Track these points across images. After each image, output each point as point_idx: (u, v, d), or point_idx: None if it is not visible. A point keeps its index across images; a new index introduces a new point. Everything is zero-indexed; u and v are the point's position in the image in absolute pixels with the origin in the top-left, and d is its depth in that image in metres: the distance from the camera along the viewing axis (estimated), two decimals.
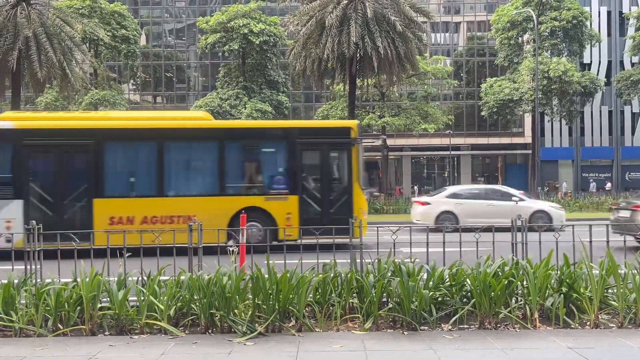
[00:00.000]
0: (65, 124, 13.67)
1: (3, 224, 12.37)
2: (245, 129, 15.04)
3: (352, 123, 14.45)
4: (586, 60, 45.77)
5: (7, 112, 14.53)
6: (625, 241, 7.06)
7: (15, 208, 12.64)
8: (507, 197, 18.28)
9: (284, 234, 11.68)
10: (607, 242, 6.47)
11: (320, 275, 6.04)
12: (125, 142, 13.61)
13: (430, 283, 5.99)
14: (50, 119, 14.57)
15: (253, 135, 14.35)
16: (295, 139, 13.55)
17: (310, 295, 6.01)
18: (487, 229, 6.72)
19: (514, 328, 5.82)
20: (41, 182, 13.15)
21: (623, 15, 45.29)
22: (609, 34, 47.07)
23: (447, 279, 6.11)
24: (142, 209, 12.98)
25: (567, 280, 6.06)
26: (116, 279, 6.02)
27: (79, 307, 5.82)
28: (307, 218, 13.01)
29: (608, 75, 45.69)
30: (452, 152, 46.20)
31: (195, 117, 15.63)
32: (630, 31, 42.21)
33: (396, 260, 6.14)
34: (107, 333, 5.82)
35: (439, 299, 6.04)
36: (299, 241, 6.80)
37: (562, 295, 5.93)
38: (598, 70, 46.24)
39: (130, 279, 6.12)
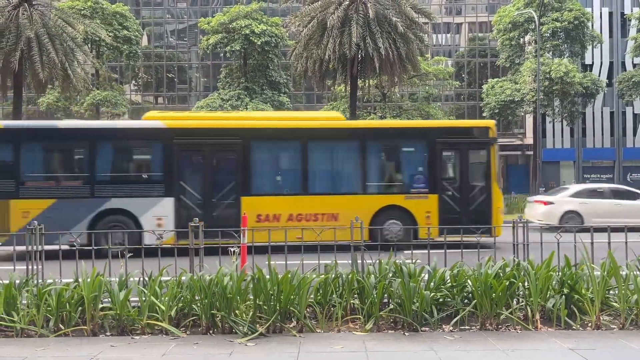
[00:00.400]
0: (213, 124, 14.03)
1: (154, 221, 12.63)
2: (386, 129, 15.17)
3: (490, 123, 14.58)
4: (588, 61, 45.72)
5: (151, 111, 15.05)
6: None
7: (166, 206, 12.90)
8: (633, 196, 17.97)
9: (424, 232, 11.79)
10: (609, 243, 6.46)
11: (322, 276, 6.04)
12: (271, 142, 13.86)
13: (432, 284, 5.99)
14: (195, 119, 15.10)
15: (393, 134, 14.44)
16: (435, 138, 13.71)
17: (312, 296, 6.01)
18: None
19: (515, 329, 5.81)
20: (190, 180, 13.36)
21: (625, 16, 45.22)
22: (610, 35, 47.01)
23: (448, 280, 6.11)
24: (288, 206, 13.22)
25: (569, 282, 6.05)
26: (117, 279, 6.03)
27: (80, 308, 5.83)
28: (446, 217, 13.13)
29: (610, 76, 45.63)
30: None
31: (330, 117, 15.71)
32: (632, 32, 42.16)
33: (397, 261, 6.15)
34: (108, 333, 5.82)
35: (440, 300, 6.03)
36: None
37: (563, 296, 5.92)
38: (600, 72, 46.18)
39: (131, 279, 6.13)
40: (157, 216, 12.75)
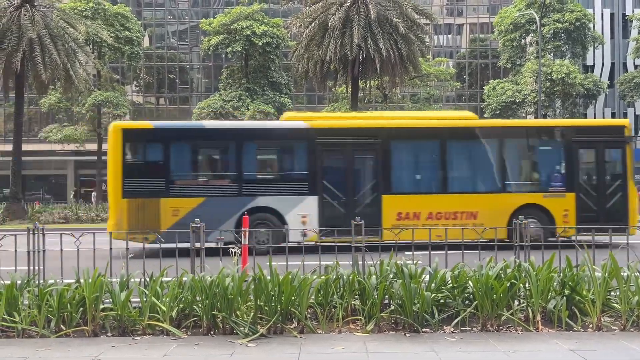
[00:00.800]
0: (354, 124, 14.27)
1: (299, 219, 12.78)
2: (524, 127, 15.26)
3: (626, 122, 14.66)
4: (589, 62, 45.71)
5: (288, 112, 15.53)
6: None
7: (310, 204, 13.10)
8: None
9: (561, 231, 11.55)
10: (610, 244, 6.46)
11: (323, 277, 6.04)
12: (410, 141, 14.01)
13: (433, 285, 5.99)
14: (335, 119, 15.43)
15: (531, 133, 14.50)
16: (572, 137, 13.76)
17: (312, 297, 6.01)
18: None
19: (516, 330, 5.81)
20: (333, 179, 13.51)
21: (626, 18, 45.20)
22: (612, 36, 46.98)
23: (449, 281, 6.11)
24: (427, 205, 13.30)
25: (570, 283, 6.04)
26: (119, 279, 6.03)
27: (81, 308, 5.83)
28: (583, 215, 13.11)
29: (611, 77, 45.60)
30: None
31: (464, 116, 15.72)
32: (634, 33, 42.14)
33: (398, 262, 6.14)
34: (109, 334, 5.83)
35: (441, 301, 6.03)
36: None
37: (564, 297, 5.91)
38: (601, 73, 46.15)
39: (132, 280, 6.14)
40: (302, 214, 12.96)
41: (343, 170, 13.58)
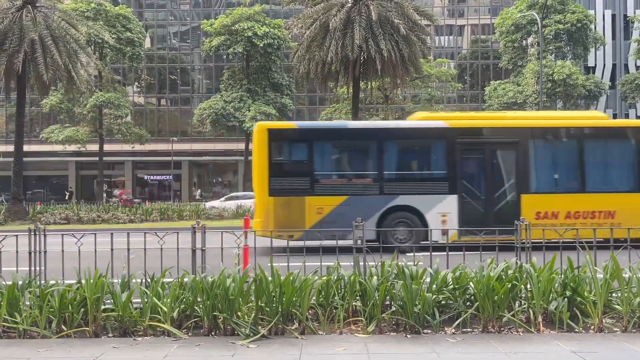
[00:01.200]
0: (493, 123, 14.31)
1: (439, 217, 12.91)
2: None
3: None
4: (590, 63, 45.69)
5: (419, 112, 15.75)
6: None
7: (449, 203, 13.22)
8: None
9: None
10: (611, 245, 6.45)
11: (324, 278, 6.04)
12: (549, 140, 14.14)
13: (434, 286, 5.98)
14: (471, 119, 15.47)
15: None
16: None
17: (314, 298, 6.01)
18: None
19: (517, 332, 5.80)
20: (472, 179, 13.69)
21: (628, 19, 45.18)
22: (613, 37, 46.98)
23: (451, 282, 6.10)
24: (566, 204, 13.34)
25: (571, 284, 6.04)
26: (120, 280, 6.04)
27: (82, 309, 5.83)
28: None
29: (612, 78, 45.60)
30: None
31: (594, 116, 15.63)
32: (635, 34, 42.11)
33: (399, 263, 6.14)
34: (110, 335, 5.83)
35: (442, 302, 6.02)
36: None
37: (566, 299, 5.90)
38: (602, 74, 46.14)
39: (134, 280, 6.14)
40: (442, 213, 13.07)
41: (482, 169, 13.73)
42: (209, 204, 31.04)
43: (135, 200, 37.55)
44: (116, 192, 44.62)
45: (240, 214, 26.12)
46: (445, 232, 11.90)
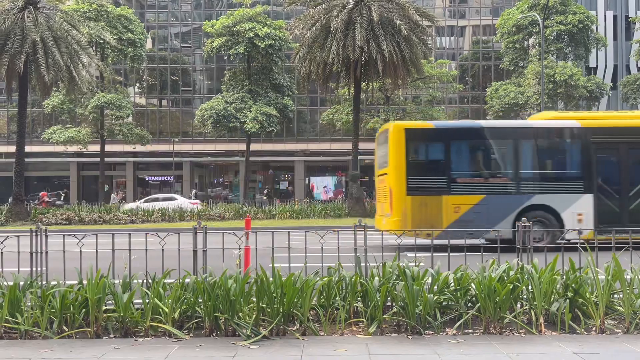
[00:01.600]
0: (627, 123, 14.28)
1: (575, 217, 12.99)
2: None
3: None
4: (592, 64, 45.66)
5: (545, 112, 15.90)
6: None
7: (585, 202, 13.29)
8: None
9: None
10: (613, 246, 6.44)
11: (325, 279, 6.04)
12: None
13: (435, 287, 5.98)
14: (602, 118, 15.46)
15: None
16: None
17: (315, 299, 6.00)
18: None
19: (519, 333, 5.79)
20: (606, 178, 13.73)
21: (629, 20, 45.16)
22: (615, 38, 46.94)
23: (452, 284, 6.10)
24: None
25: (573, 285, 6.03)
26: (121, 281, 6.04)
27: (84, 310, 5.83)
28: None
29: (614, 79, 45.55)
30: None
31: None
32: (637, 35, 42.11)
33: (401, 264, 6.14)
34: (111, 335, 5.83)
35: (444, 303, 6.02)
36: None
37: (567, 300, 5.90)
38: (604, 75, 46.10)
39: (135, 281, 6.14)
40: (577, 212, 13.14)
41: (617, 168, 13.79)
42: (127, 206, 31.37)
43: (58, 202, 37.35)
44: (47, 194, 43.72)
45: (242, 215, 26.14)
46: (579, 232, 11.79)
